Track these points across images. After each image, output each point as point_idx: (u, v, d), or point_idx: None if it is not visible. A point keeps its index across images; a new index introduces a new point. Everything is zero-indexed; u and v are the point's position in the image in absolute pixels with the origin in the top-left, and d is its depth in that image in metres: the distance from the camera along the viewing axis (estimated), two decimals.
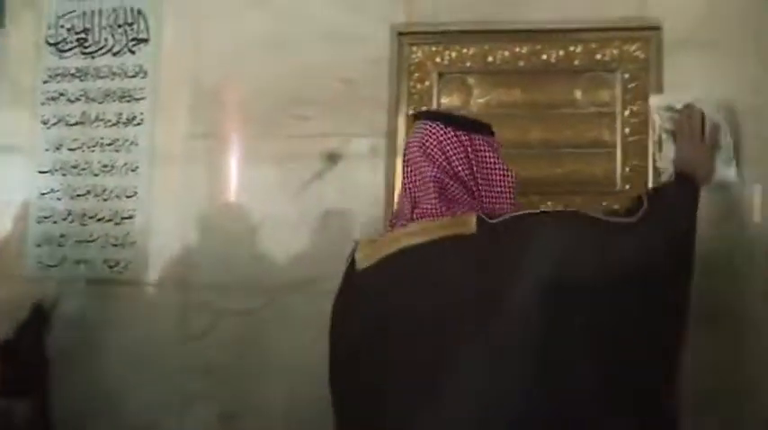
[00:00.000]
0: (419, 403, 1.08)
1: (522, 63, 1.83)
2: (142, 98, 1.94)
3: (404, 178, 1.27)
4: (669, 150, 1.56)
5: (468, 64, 1.85)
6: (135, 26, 1.95)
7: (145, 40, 1.95)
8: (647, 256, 1.16)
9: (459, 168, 1.19)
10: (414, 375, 1.09)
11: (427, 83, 1.86)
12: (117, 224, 1.94)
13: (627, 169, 1.78)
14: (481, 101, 1.84)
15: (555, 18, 1.79)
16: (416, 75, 1.86)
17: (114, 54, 1.97)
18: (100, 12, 1.98)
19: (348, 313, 1.25)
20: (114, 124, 1.96)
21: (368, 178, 1.82)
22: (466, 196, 1.20)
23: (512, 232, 1.13)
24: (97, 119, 1.97)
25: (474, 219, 1.14)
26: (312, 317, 1.82)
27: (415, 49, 1.86)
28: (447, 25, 1.82)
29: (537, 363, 1.05)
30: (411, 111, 1.84)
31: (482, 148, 1.21)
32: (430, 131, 1.21)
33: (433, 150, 1.20)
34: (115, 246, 1.93)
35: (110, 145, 1.96)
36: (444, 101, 1.86)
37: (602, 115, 1.80)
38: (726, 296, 1.61)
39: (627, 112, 1.79)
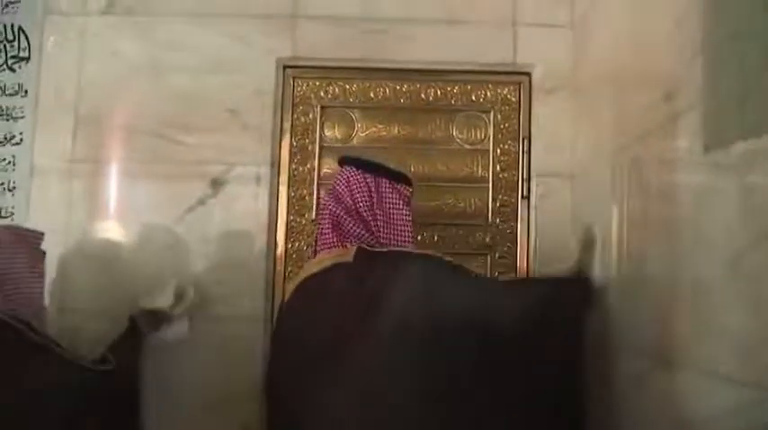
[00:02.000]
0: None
1: (402, 100, 1.93)
2: (21, 117, 1.89)
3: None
4: None
5: (350, 99, 1.93)
6: (15, 43, 1.90)
7: (25, 59, 1.90)
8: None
9: (360, 204, 1.32)
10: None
11: (311, 115, 1.92)
12: None
13: (497, 203, 1.91)
14: (363, 134, 1.93)
15: (434, 59, 1.91)
16: (300, 107, 1.92)
17: None
18: None
19: (274, 341, 1.40)
20: None
21: (251, 205, 1.85)
22: (363, 231, 1.31)
23: (382, 267, 1.24)
24: None
25: (354, 250, 1.27)
26: (193, 343, 1.84)
27: (299, 82, 1.93)
28: (331, 61, 1.90)
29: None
30: (295, 142, 1.91)
31: (386, 190, 1.35)
32: (342, 174, 1.37)
33: (341, 189, 1.35)
34: None
35: None
36: (327, 133, 1.93)
37: (476, 152, 1.92)
38: None
39: (498, 150, 1.92)
